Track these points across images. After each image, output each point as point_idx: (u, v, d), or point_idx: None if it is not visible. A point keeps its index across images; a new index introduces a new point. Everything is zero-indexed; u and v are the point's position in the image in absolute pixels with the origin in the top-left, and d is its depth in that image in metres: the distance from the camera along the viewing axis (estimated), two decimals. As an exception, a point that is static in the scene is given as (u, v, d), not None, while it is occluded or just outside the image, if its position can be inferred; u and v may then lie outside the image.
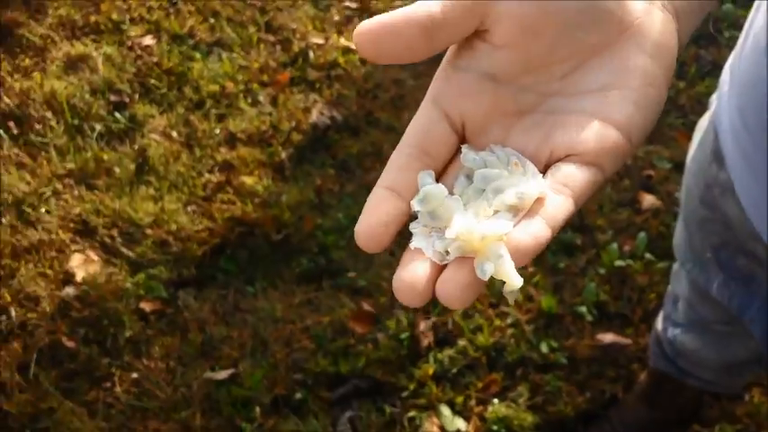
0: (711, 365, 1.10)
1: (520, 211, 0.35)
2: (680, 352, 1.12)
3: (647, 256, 1.58)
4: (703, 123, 0.82)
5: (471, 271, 0.33)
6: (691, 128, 1.79)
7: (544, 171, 0.37)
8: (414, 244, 0.35)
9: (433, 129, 0.37)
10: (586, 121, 0.36)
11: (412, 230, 0.36)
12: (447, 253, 0.34)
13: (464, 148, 0.38)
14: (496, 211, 0.35)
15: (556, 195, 0.35)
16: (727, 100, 0.69)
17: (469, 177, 0.37)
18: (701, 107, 1.84)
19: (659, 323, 1.18)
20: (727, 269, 0.81)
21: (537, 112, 0.37)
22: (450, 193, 0.37)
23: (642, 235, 1.60)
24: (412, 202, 0.36)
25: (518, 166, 0.36)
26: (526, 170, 0.36)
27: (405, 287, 0.34)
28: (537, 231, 0.34)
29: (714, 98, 0.76)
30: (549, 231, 0.34)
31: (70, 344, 1.49)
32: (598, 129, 0.36)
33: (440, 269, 0.34)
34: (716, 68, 1.91)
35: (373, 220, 0.35)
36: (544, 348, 1.47)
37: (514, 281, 0.33)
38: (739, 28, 2.10)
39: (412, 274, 0.34)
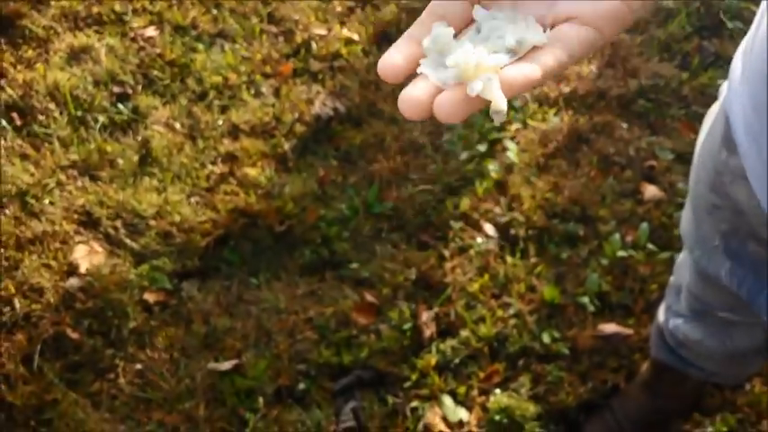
0: (714, 356, 1.10)
1: (517, 55, 0.41)
2: (682, 342, 1.13)
3: (650, 246, 1.58)
4: (713, 110, 0.82)
5: (464, 91, 0.39)
6: (693, 119, 1.79)
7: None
8: (420, 70, 0.41)
9: None
10: None
11: (421, 62, 0.42)
12: (447, 78, 0.40)
13: (476, 6, 0.44)
14: (496, 52, 0.41)
15: (551, 47, 0.40)
16: (738, 85, 0.70)
17: (479, 30, 0.43)
18: (704, 98, 1.84)
19: (661, 314, 1.19)
20: (737, 256, 0.81)
21: None
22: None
23: (644, 225, 1.60)
24: (423, 41, 0.42)
25: (523, 21, 0.42)
26: (528, 24, 0.42)
27: (408, 100, 0.40)
28: (528, 70, 0.39)
29: (724, 86, 0.77)
30: (540, 72, 0.39)
31: (74, 335, 1.49)
32: None
33: (439, 92, 0.40)
34: (719, 59, 1.91)
35: (392, 55, 0.41)
36: (546, 339, 1.47)
37: (500, 102, 0.39)
38: (742, 19, 2.10)
39: (415, 90, 0.40)
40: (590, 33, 0.41)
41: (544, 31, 0.42)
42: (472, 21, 0.44)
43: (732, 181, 0.75)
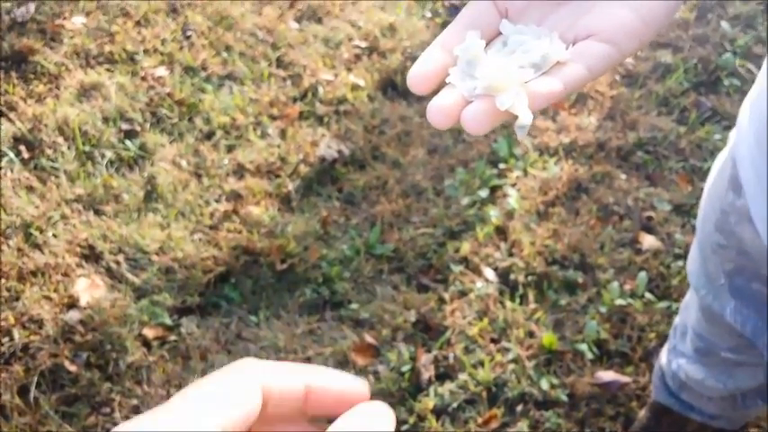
0: (715, 396, 1.11)
1: (541, 69, 0.42)
2: (683, 383, 1.13)
3: (648, 295, 1.60)
4: (723, 155, 0.86)
5: (492, 104, 0.40)
6: (690, 172, 1.83)
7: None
8: (449, 79, 0.42)
9: (481, 9, 0.45)
10: (607, 6, 0.44)
11: (450, 72, 0.43)
12: (475, 89, 0.41)
13: (504, 21, 0.45)
14: (523, 67, 0.42)
15: (573, 62, 0.42)
16: (746, 130, 0.73)
17: (505, 44, 0.45)
18: (701, 152, 1.88)
19: (663, 356, 1.19)
20: (742, 295, 0.83)
21: (570, 5, 0.45)
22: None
23: (642, 275, 1.62)
24: (455, 48, 0.43)
25: (547, 37, 0.44)
26: (552, 41, 0.43)
27: (436, 109, 0.41)
28: (552, 84, 0.41)
29: (733, 132, 0.81)
30: (562, 87, 0.41)
31: (72, 368, 1.49)
32: (615, 12, 0.44)
33: (467, 103, 0.41)
34: (715, 115, 1.96)
35: (423, 65, 0.43)
36: (544, 385, 1.47)
37: (526, 117, 0.41)
38: (739, 77, 2.15)
39: (443, 100, 0.41)
40: (609, 49, 0.43)
41: (567, 48, 0.44)
42: (499, 33, 0.46)
43: (738, 221, 0.77)
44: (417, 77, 0.42)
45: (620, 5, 0.43)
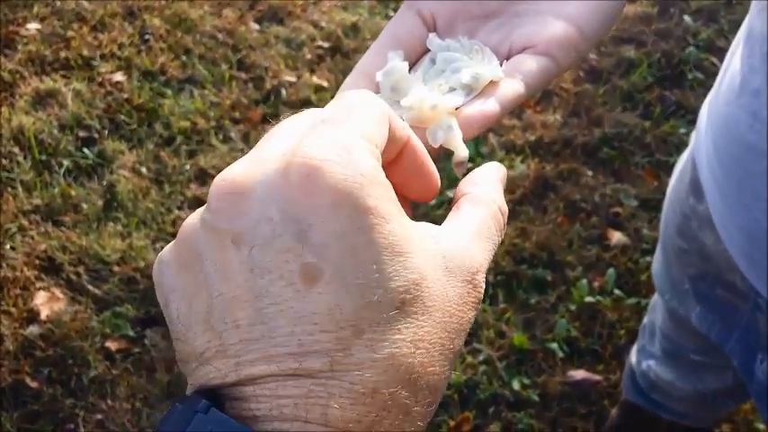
0: (685, 397, 1.11)
1: (474, 91, 0.38)
2: (654, 384, 1.13)
3: (617, 292, 1.59)
4: (684, 157, 0.85)
5: (422, 138, 0.36)
6: (657, 166, 1.83)
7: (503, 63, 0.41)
8: None
9: (406, 22, 0.42)
10: (541, 18, 0.41)
11: None
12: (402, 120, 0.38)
13: (431, 35, 0.42)
14: (452, 89, 0.39)
15: (509, 79, 0.39)
16: (704, 134, 0.72)
17: (434, 61, 0.41)
18: (666, 146, 1.88)
19: (633, 355, 1.19)
20: (706, 300, 0.82)
21: (501, 16, 0.42)
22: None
23: (611, 271, 1.62)
24: (377, 74, 0.39)
25: (479, 53, 0.40)
26: (484, 56, 0.40)
27: None
28: (486, 107, 0.38)
29: (694, 134, 0.79)
30: (498, 108, 0.38)
31: (33, 384, 1.45)
32: (549, 23, 0.41)
33: None
34: (680, 109, 1.96)
35: None
36: (516, 385, 1.46)
37: (461, 151, 0.37)
38: (703, 70, 2.16)
39: None
40: (546, 63, 0.40)
41: (501, 62, 0.40)
42: (428, 49, 0.42)
43: (699, 226, 0.76)
44: None
45: (556, 16, 0.41)
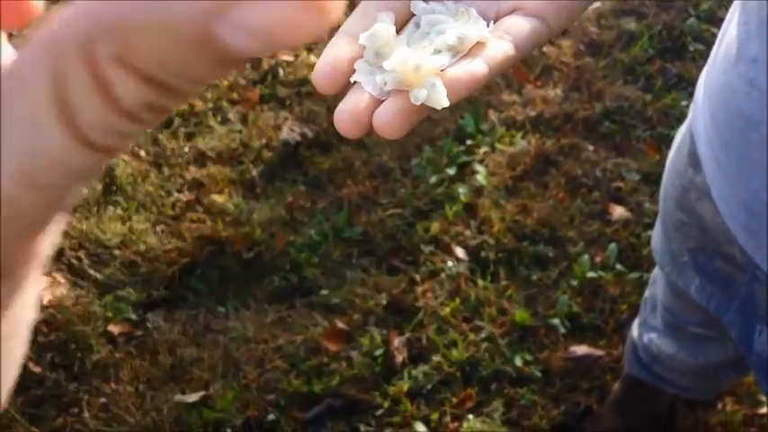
0: (687, 370, 1.11)
1: (460, 53, 0.37)
2: (656, 357, 1.13)
3: (618, 267, 1.59)
4: (682, 129, 0.84)
5: (406, 100, 0.35)
6: (658, 140, 1.81)
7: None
8: (354, 77, 0.37)
9: None
10: None
11: (356, 67, 0.37)
12: (385, 84, 0.36)
13: None
14: (438, 51, 0.37)
15: (497, 40, 0.37)
16: (701, 106, 0.71)
17: (418, 25, 0.39)
18: (668, 119, 1.86)
19: (635, 329, 1.19)
20: (705, 272, 0.82)
21: None
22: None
23: (613, 246, 1.61)
24: (360, 36, 0.37)
25: (464, 14, 0.39)
26: (470, 18, 0.38)
27: (344, 117, 0.36)
28: (473, 68, 0.36)
29: (692, 106, 0.78)
30: (487, 69, 0.36)
31: (36, 369, 1.45)
32: None
33: (378, 103, 0.36)
34: (681, 81, 1.94)
35: (327, 61, 0.37)
36: (518, 362, 1.46)
37: (443, 104, 0.35)
38: (704, 41, 2.13)
39: (351, 105, 0.36)
40: (536, 24, 0.39)
41: (488, 25, 0.39)
42: (413, 15, 0.40)
43: (698, 198, 0.75)
44: (322, 76, 0.37)
45: None
